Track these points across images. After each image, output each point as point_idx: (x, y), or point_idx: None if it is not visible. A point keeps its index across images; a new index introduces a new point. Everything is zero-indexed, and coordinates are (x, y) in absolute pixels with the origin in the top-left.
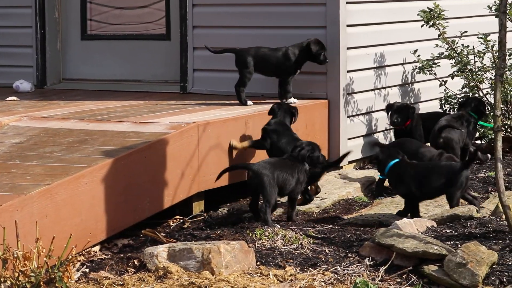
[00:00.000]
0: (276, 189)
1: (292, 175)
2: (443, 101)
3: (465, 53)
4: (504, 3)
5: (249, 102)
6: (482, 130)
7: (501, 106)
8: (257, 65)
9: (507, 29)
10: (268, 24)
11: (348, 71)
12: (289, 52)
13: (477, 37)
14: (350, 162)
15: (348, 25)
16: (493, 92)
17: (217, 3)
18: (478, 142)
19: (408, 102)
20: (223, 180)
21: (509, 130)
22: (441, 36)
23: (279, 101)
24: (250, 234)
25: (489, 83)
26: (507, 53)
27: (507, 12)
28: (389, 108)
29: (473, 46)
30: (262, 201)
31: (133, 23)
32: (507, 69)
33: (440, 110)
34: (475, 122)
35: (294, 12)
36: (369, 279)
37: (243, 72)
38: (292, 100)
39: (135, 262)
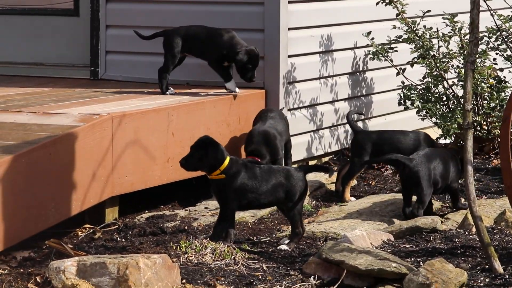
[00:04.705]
0: None
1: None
2: (401, 95)
3: (428, 36)
4: None
5: (170, 90)
6: (444, 127)
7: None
8: (186, 46)
9: (480, 8)
10: None
11: (290, 56)
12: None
13: (442, 18)
14: (292, 163)
15: (290, 1)
16: (460, 83)
17: None
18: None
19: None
20: (141, 183)
21: (479, 129)
22: (400, 16)
23: (208, 91)
24: (174, 247)
25: (455, 72)
26: (479, 37)
27: None
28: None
29: (437, 28)
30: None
31: None
32: (478, 56)
33: None
34: None
35: None
36: None
37: (167, 55)
38: (229, 84)
39: (38, 279)
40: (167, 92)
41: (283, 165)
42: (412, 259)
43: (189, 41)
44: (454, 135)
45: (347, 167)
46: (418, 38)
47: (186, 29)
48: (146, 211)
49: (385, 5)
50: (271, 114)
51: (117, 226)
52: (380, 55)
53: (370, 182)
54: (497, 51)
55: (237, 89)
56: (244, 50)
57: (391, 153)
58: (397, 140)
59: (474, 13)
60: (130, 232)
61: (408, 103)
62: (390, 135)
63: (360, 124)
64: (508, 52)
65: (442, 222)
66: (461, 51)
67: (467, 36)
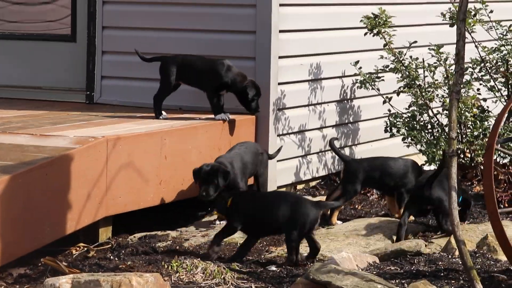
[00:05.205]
0: None
1: None
2: (388, 123)
3: (414, 66)
4: (463, 10)
5: (164, 115)
6: (429, 154)
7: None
8: (181, 74)
9: (465, 40)
10: (191, 27)
11: (280, 84)
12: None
13: (428, 49)
14: (279, 188)
15: (281, 31)
16: (445, 112)
17: (131, 0)
18: None
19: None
20: (134, 204)
21: (462, 156)
22: (387, 47)
23: (201, 116)
24: (166, 266)
25: (440, 101)
26: (464, 67)
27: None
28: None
29: (423, 59)
30: None
31: (34, 21)
32: (462, 86)
33: None
34: None
35: (220, 13)
36: None
37: (162, 81)
38: (218, 116)
39: None
40: (161, 117)
41: None
42: (397, 281)
43: (185, 70)
44: (439, 162)
45: (336, 192)
46: (404, 68)
47: (183, 58)
48: (138, 231)
49: (373, 36)
50: (238, 146)
51: (110, 245)
52: (368, 83)
53: (356, 206)
54: (481, 82)
55: (228, 116)
56: (250, 83)
57: (383, 179)
58: (388, 166)
59: (460, 44)
60: (123, 251)
61: (394, 130)
62: (381, 161)
63: (347, 150)
64: (492, 83)
65: (426, 245)
66: (446, 81)
67: (452, 67)
